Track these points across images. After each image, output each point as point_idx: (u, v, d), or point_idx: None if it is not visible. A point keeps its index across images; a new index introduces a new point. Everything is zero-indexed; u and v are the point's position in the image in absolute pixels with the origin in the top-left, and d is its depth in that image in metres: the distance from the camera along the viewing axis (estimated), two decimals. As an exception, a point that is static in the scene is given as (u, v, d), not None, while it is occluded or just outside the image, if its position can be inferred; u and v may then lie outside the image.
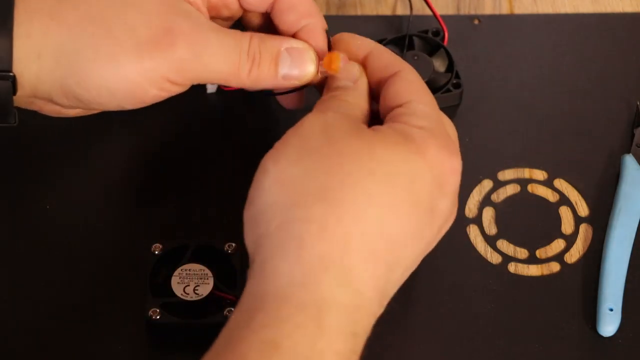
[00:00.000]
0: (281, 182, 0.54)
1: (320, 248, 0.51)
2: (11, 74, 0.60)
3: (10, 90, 0.60)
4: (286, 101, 0.68)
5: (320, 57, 0.64)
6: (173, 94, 0.63)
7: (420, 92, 0.59)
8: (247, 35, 0.63)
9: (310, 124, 0.57)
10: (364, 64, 0.62)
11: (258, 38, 0.63)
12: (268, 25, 0.67)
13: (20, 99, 0.62)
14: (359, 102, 0.60)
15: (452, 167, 0.57)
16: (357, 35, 0.64)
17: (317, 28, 0.65)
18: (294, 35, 0.65)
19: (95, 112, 0.66)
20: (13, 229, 0.68)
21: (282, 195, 0.53)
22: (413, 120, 0.57)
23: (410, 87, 0.59)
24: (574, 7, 0.80)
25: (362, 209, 0.52)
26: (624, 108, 0.74)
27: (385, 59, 0.61)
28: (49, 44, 0.60)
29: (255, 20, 0.68)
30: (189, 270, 0.65)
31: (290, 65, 0.64)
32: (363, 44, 0.63)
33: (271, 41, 0.64)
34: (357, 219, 0.52)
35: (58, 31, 0.60)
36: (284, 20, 0.66)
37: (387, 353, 0.65)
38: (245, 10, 0.67)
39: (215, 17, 0.67)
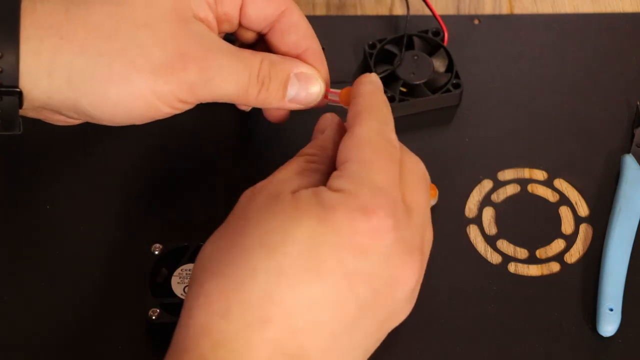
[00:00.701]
0: (200, 260, 0.56)
1: (203, 316, 0.54)
2: (17, 89, 0.59)
3: (17, 104, 0.60)
4: (272, 116, 0.69)
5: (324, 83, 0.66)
6: (183, 110, 0.63)
7: (360, 149, 0.57)
8: (258, 57, 0.63)
9: (240, 199, 0.58)
10: None
11: (269, 61, 0.63)
12: (260, 43, 0.68)
13: (28, 110, 0.62)
14: (298, 169, 0.59)
15: (370, 227, 0.54)
16: (367, 82, 0.62)
17: (318, 52, 0.66)
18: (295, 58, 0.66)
19: None
20: (13, 229, 0.68)
21: (195, 272, 0.56)
22: (336, 183, 0.56)
23: (352, 144, 0.58)
24: (574, 7, 0.80)
25: (245, 279, 0.53)
26: (624, 108, 0.74)
27: (354, 108, 0.60)
28: (60, 62, 0.59)
29: (249, 37, 0.68)
30: (189, 270, 0.65)
31: (299, 90, 0.64)
32: (355, 90, 0.62)
33: (282, 65, 0.64)
34: (238, 288, 0.53)
35: (69, 49, 0.59)
36: (285, 41, 0.66)
37: (387, 353, 0.65)
38: (240, 26, 0.67)
39: (218, 32, 0.66)
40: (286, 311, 0.53)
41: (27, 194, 0.69)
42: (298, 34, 0.66)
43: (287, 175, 0.58)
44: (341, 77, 0.75)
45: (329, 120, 0.62)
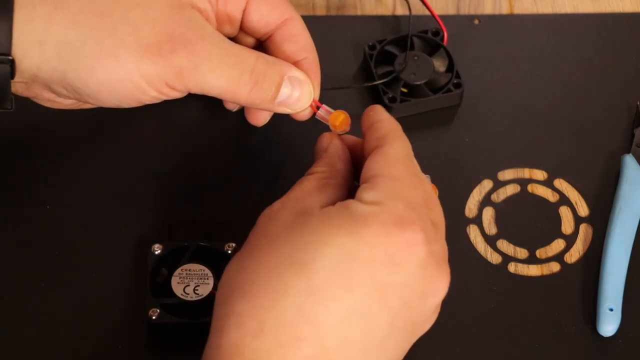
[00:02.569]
0: (227, 279, 0.56)
1: (235, 336, 0.53)
2: (10, 57, 0.59)
3: (8, 74, 0.59)
4: (253, 118, 0.69)
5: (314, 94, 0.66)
6: (171, 97, 0.63)
7: (392, 166, 0.57)
8: (253, 55, 0.63)
9: (258, 220, 0.58)
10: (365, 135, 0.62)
11: (265, 60, 0.63)
12: (258, 49, 0.67)
13: (17, 85, 0.62)
14: (314, 186, 0.59)
15: (405, 241, 0.54)
16: (384, 110, 0.63)
17: (314, 64, 0.66)
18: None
19: (90, 107, 0.66)
20: (13, 229, 0.68)
21: (222, 292, 0.56)
22: (368, 195, 0.56)
23: (383, 160, 0.58)
24: (574, 7, 0.80)
25: (277, 297, 0.53)
26: (624, 108, 0.74)
27: (379, 130, 0.60)
28: (51, 33, 0.59)
29: (248, 42, 0.68)
30: (189, 270, 0.65)
31: (290, 94, 0.64)
32: (376, 115, 0.62)
33: (277, 67, 0.64)
34: (271, 307, 0.53)
35: (61, 20, 0.59)
36: (283, 49, 0.66)
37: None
38: (241, 31, 0.67)
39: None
40: (319, 328, 0.53)
41: (27, 194, 0.69)
42: (298, 44, 0.66)
43: (308, 191, 0.58)
44: (342, 78, 0.75)
45: (328, 138, 0.63)
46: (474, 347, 0.65)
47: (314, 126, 0.71)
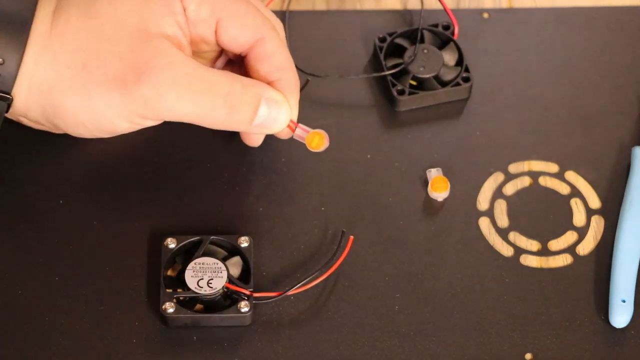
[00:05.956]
0: None
1: None
2: (9, 96, 0.61)
3: (4, 111, 0.61)
4: (248, 140, 0.69)
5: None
6: (146, 126, 0.64)
7: None
8: (227, 79, 0.63)
9: None
10: None
11: (240, 84, 0.63)
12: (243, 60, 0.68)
13: (10, 114, 0.63)
14: None
15: None
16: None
17: (290, 84, 0.66)
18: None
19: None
20: (26, 224, 0.68)
21: None
22: None
23: None
24: (573, 4, 0.79)
25: None
26: (634, 100, 0.74)
27: None
28: (37, 71, 0.61)
29: (230, 54, 0.68)
30: (203, 263, 0.65)
31: (267, 116, 0.64)
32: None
33: (254, 88, 0.64)
34: None
35: (45, 59, 0.61)
36: (257, 68, 0.65)
37: (400, 344, 0.65)
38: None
39: (196, 52, 0.66)
40: None
41: (32, 192, 0.69)
42: (271, 64, 0.65)
43: None
44: (352, 70, 0.75)
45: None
46: (486, 339, 0.65)
47: (319, 119, 0.72)
